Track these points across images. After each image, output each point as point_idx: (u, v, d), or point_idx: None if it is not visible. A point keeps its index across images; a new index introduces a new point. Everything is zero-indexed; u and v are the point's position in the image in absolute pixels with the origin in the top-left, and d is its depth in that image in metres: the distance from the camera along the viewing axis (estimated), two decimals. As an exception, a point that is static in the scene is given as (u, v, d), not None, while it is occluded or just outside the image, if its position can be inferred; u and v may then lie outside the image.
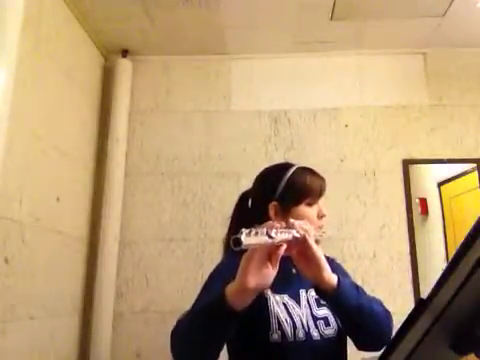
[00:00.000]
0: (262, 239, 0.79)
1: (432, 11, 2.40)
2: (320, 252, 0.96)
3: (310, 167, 1.24)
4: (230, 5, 2.35)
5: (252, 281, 0.86)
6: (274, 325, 1.06)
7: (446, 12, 2.39)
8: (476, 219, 0.59)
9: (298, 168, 1.22)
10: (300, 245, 0.94)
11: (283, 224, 0.91)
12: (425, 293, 0.63)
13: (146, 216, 2.61)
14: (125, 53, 2.74)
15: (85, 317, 2.42)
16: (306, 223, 0.98)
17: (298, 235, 0.91)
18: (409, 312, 0.64)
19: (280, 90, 2.77)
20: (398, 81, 2.78)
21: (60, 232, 2.19)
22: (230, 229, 1.27)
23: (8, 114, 1.52)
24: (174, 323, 1.00)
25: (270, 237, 0.80)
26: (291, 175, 1.19)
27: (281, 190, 1.18)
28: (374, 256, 2.52)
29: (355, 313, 0.99)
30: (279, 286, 1.07)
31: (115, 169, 2.57)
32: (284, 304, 1.10)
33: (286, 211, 1.16)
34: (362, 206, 2.59)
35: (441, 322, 0.62)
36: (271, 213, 1.17)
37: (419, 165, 2.68)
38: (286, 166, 1.23)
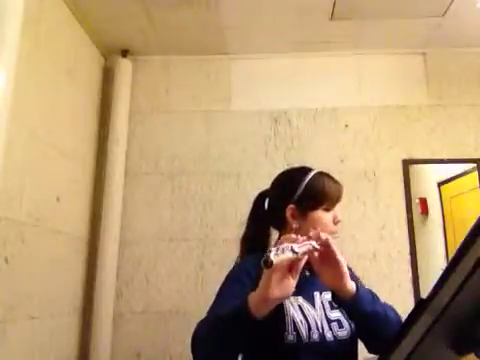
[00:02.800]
0: (287, 255, 0.86)
1: (432, 11, 2.40)
2: (343, 260, 0.99)
3: (328, 173, 1.26)
4: (230, 5, 2.35)
5: (275, 293, 0.90)
6: (290, 326, 1.09)
7: (446, 12, 2.39)
8: (476, 219, 0.59)
9: (317, 173, 1.24)
10: (323, 251, 0.97)
11: (303, 237, 0.95)
12: (425, 293, 0.63)
13: (146, 216, 2.61)
14: (125, 53, 2.74)
15: (85, 317, 2.42)
16: (323, 233, 1.00)
17: (318, 247, 0.96)
18: (409, 312, 0.64)
19: (280, 90, 2.77)
20: (398, 81, 2.78)
21: (60, 232, 2.19)
22: (248, 228, 1.29)
23: (8, 114, 1.53)
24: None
25: (294, 252, 0.87)
26: (310, 179, 1.21)
27: (299, 194, 1.19)
28: (374, 256, 2.52)
29: (371, 320, 1.02)
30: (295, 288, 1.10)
31: (115, 169, 2.57)
32: (299, 306, 1.12)
33: (303, 215, 1.18)
34: (362, 206, 2.59)
35: (441, 322, 0.62)
36: (288, 215, 1.19)
37: (419, 165, 2.68)
38: (305, 170, 1.25)
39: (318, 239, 0.97)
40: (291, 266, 0.92)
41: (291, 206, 1.19)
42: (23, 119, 1.88)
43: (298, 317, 1.10)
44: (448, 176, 2.71)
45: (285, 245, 0.87)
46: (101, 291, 2.40)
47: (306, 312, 1.12)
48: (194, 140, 2.72)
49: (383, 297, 1.13)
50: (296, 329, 1.08)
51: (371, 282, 2.44)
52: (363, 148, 2.68)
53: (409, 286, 2.46)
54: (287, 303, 1.11)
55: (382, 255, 2.51)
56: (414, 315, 0.63)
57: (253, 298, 0.93)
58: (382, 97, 2.75)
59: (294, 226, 1.18)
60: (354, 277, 1.22)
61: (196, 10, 2.37)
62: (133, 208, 2.62)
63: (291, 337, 1.07)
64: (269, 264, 0.81)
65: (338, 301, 1.03)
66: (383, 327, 1.03)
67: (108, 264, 2.44)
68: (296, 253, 0.87)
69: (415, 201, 2.61)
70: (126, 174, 2.63)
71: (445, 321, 0.63)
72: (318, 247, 0.95)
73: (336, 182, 1.23)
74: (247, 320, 0.92)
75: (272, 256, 0.81)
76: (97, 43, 2.66)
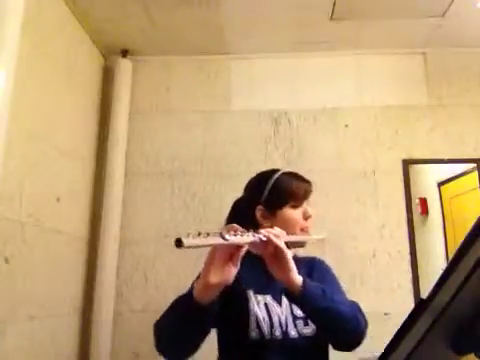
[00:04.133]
0: (212, 240, 0.87)
1: (432, 11, 2.40)
2: (289, 254, 1.00)
3: (295, 172, 1.30)
4: (230, 5, 2.35)
5: (214, 278, 0.94)
6: (252, 324, 1.12)
7: (446, 12, 2.39)
8: (476, 219, 0.59)
9: (283, 173, 1.28)
10: (271, 247, 0.99)
11: (250, 231, 0.98)
12: (425, 293, 0.63)
13: (146, 216, 2.61)
14: (125, 53, 2.74)
15: (85, 317, 2.42)
16: (277, 229, 1.03)
17: (264, 238, 0.97)
18: (409, 312, 0.64)
19: (280, 90, 2.77)
20: (398, 81, 2.78)
21: (60, 232, 2.19)
22: None
23: (8, 114, 1.53)
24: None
25: (224, 238, 0.88)
26: (275, 180, 1.25)
27: (267, 194, 1.24)
28: (374, 256, 2.51)
29: (321, 315, 1.04)
30: (263, 287, 1.16)
31: (115, 169, 2.57)
32: (265, 304, 1.16)
33: (272, 214, 1.23)
34: (362, 206, 2.59)
35: (441, 322, 0.62)
36: (258, 216, 1.23)
37: (419, 165, 2.68)
38: (272, 172, 1.29)
39: (267, 233, 0.99)
40: (231, 254, 0.96)
41: (260, 207, 1.23)
42: (23, 119, 1.88)
43: (261, 315, 1.13)
44: (448, 176, 2.71)
45: (215, 231, 0.89)
46: (101, 291, 2.41)
47: (271, 309, 1.15)
48: (194, 140, 2.72)
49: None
50: (259, 326, 1.12)
51: (371, 282, 2.46)
52: (363, 148, 2.67)
53: (409, 286, 2.46)
54: (252, 301, 1.15)
55: (382, 255, 2.51)
56: (414, 315, 0.63)
57: (196, 285, 0.99)
58: (382, 97, 2.75)
59: (265, 226, 1.20)
60: (322, 272, 1.27)
61: (196, 10, 2.37)
62: (133, 208, 2.62)
63: (254, 334, 1.12)
64: (177, 243, 0.82)
65: (287, 295, 1.05)
66: (334, 323, 1.04)
67: (108, 264, 2.45)
68: (226, 240, 0.88)
69: (415, 201, 2.61)
70: (126, 174, 2.63)
71: (445, 321, 0.63)
72: (264, 239, 0.97)
73: (302, 179, 1.27)
74: (193, 306, 0.97)
75: (184, 238, 0.82)
76: (97, 43, 2.66)
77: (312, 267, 1.26)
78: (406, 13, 2.43)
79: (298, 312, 1.15)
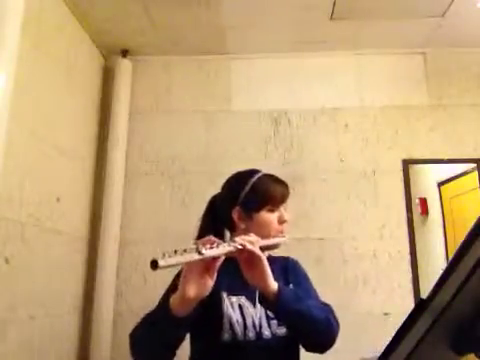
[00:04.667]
0: (189, 256, 0.87)
1: (432, 11, 2.40)
2: (265, 261, 1.01)
3: (274, 174, 1.28)
4: (230, 5, 2.35)
5: (191, 291, 0.95)
6: (226, 325, 1.13)
7: (446, 12, 2.39)
8: (476, 219, 0.59)
9: (262, 175, 1.26)
10: (246, 254, 0.99)
11: (228, 236, 1.01)
12: (425, 293, 0.63)
13: (146, 216, 2.61)
14: (125, 53, 2.74)
15: (85, 317, 2.43)
16: (252, 235, 1.04)
17: (240, 247, 0.98)
18: (409, 312, 0.64)
19: (280, 90, 2.77)
20: (398, 81, 2.78)
21: (60, 232, 2.19)
22: (200, 230, 1.31)
23: (8, 114, 1.52)
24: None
25: (200, 253, 0.88)
26: (254, 182, 1.24)
27: (244, 196, 1.22)
28: (374, 256, 2.51)
29: (293, 319, 1.05)
30: (237, 288, 1.16)
31: (115, 169, 2.57)
32: (239, 305, 1.16)
33: (249, 216, 1.21)
34: (362, 206, 2.59)
35: (441, 322, 0.62)
36: (235, 218, 1.23)
37: (419, 165, 2.68)
38: (251, 173, 1.27)
39: (242, 241, 0.99)
40: (207, 266, 0.96)
41: (237, 208, 1.22)
42: (23, 119, 1.88)
43: (235, 316, 1.14)
44: (448, 176, 2.71)
45: (190, 247, 0.89)
46: (101, 291, 2.41)
47: (245, 311, 1.16)
48: (194, 140, 2.72)
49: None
50: (232, 328, 1.13)
51: (371, 282, 2.46)
52: (363, 148, 2.68)
53: (409, 286, 2.46)
54: (226, 303, 1.16)
55: (382, 255, 2.51)
56: (414, 315, 0.63)
57: (173, 299, 0.98)
58: (382, 97, 2.75)
59: (242, 227, 1.20)
60: (296, 272, 1.26)
61: (196, 10, 2.37)
62: (133, 208, 2.62)
63: (227, 336, 1.12)
64: (153, 266, 0.82)
65: (261, 301, 1.06)
66: (306, 327, 1.05)
67: (108, 264, 2.45)
68: (202, 254, 0.88)
69: (415, 201, 2.61)
70: (126, 174, 2.63)
71: (445, 321, 0.63)
72: (240, 247, 0.97)
73: (281, 183, 1.26)
74: (170, 320, 0.97)
75: (160, 259, 0.81)
76: (97, 43, 2.66)
77: (286, 267, 1.27)
78: (406, 13, 2.43)
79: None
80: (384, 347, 0.67)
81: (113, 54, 2.76)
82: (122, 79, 2.70)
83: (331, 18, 2.45)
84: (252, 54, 2.81)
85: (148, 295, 2.49)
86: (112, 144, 2.60)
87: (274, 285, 1.02)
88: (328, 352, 1.12)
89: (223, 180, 1.34)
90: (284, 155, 2.67)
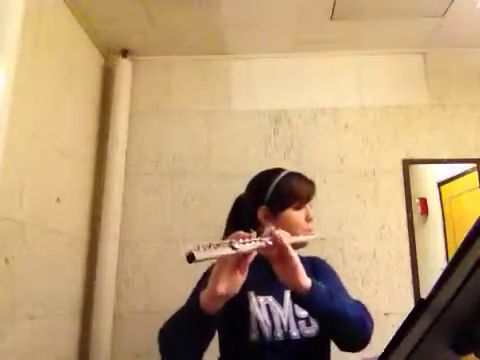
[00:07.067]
0: (223, 251, 0.86)
1: (432, 11, 2.40)
2: (296, 256, 0.99)
3: (299, 172, 1.28)
4: (230, 5, 2.35)
5: (221, 288, 0.93)
6: (253, 325, 1.12)
7: (446, 12, 2.39)
8: (476, 219, 0.59)
9: (287, 173, 1.26)
10: (278, 250, 0.98)
11: (254, 234, 0.99)
12: (425, 293, 0.63)
13: (146, 216, 2.61)
14: (125, 53, 2.74)
15: (85, 317, 2.42)
16: (281, 231, 1.02)
17: (270, 242, 0.96)
18: (409, 312, 0.64)
19: (280, 90, 2.77)
20: (398, 81, 2.78)
21: (60, 232, 2.19)
22: (225, 232, 1.31)
23: (8, 114, 1.52)
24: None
25: (233, 248, 0.87)
26: (279, 180, 1.24)
27: (269, 195, 1.22)
28: (374, 256, 2.51)
29: (327, 317, 1.03)
30: (264, 288, 1.15)
31: (115, 169, 2.57)
32: (267, 305, 1.15)
33: (275, 215, 1.21)
34: (362, 206, 2.59)
35: (441, 322, 0.62)
36: (261, 217, 1.22)
37: (419, 165, 2.68)
38: (276, 171, 1.27)
39: (271, 236, 0.98)
40: (239, 262, 0.94)
41: (263, 207, 1.22)
42: (23, 119, 1.88)
43: (262, 316, 1.13)
44: (448, 176, 2.70)
45: (224, 241, 0.88)
46: (101, 291, 2.40)
47: (272, 311, 1.15)
48: (194, 140, 2.72)
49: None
50: (259, 328, 1.12)
51: (371, 282, 2.46)
52: (363, 148, 2.67)
53: (409, 286, 2.46)
54: (253, 303, 1.15)
55: (382, 255, 2.51)
56: (414, 315, 0.63)
57: (203, 295, 0.97)
58: (382, 97, 2.75)
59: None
60: (325, 271, 1.26)
61: (196, 10, 2.37)
62: (133, 208, 2.62)
63: (254, 336, 1.12)
64: (190, 259, 0.80)
65: (294, 298, 1.04)
66: (340, 325, 1.04)
67: (108, 264, 2.44)
68: (235, 249, 0.86)
69: (415, 201, 2.61)
70: (126, 174, 2.63)
71: (445, 321, 0.63)
72: (270, 243, 0.96)
73: (306, 181, 1.26)
74: (199, 316, 0.95)
75: (195, 252, 0.80)
76: (97, 43, 2.66)
77: (314, 266, 1.26)
78: (406, 13, 2.43)
79: (300, 313, 1.15)
80: (384, 347, 0.68)
81: (113, 54, 2.76)
82: (122, 79, 2.69)
83: (331, 18, 2.45)
84: (252, 54, 2.81)
85: (148, 295, 2.48)
86: (112, 144, 2.59)
87: (307, 281, 0.99)
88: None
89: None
90: (284, 155, 2.67)
